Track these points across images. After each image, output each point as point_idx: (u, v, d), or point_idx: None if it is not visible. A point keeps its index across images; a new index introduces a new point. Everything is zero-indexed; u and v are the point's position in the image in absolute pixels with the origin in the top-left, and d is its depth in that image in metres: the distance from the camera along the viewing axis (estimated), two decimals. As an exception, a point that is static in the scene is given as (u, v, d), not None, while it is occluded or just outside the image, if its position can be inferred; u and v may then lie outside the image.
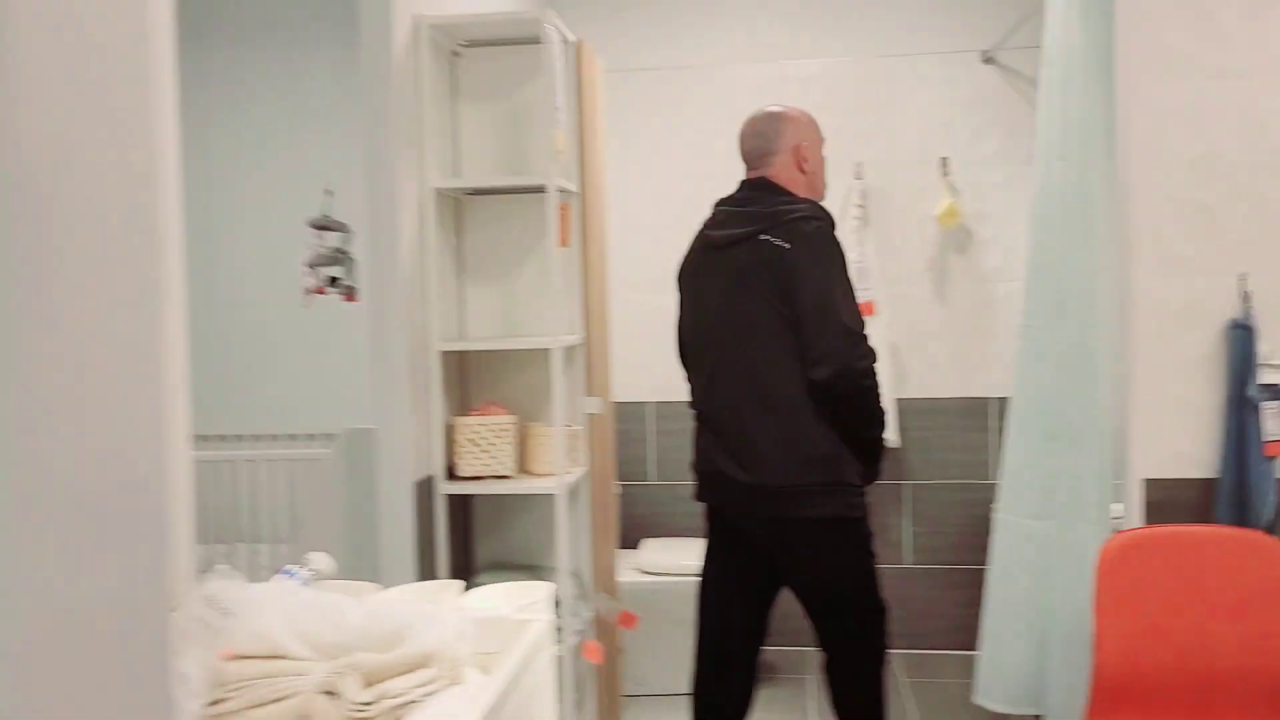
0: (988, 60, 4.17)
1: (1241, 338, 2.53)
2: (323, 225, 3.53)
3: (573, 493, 3.03)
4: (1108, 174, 2.88)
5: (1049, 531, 3.02)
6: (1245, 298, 2.55)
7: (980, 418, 4.23)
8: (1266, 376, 2.49)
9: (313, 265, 3.49)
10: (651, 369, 4.34)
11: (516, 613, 1.41)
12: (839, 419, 2.58)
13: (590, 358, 3.10)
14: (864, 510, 2.69)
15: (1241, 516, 2.53)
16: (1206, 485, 2.58)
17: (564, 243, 2.98)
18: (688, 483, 4.40)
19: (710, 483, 2.80)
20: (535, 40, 2.78)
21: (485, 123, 3.01)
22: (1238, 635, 2.35)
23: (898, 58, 4.21)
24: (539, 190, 2.82)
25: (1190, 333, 2.58)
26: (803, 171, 2.74)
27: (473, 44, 2.99)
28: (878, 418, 2.66)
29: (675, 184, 4.31)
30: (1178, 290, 2.58)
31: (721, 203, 2.82)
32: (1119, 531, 2.45)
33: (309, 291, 3.51)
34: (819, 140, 2.79)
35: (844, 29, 4.25)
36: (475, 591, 1.56)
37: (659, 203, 4.32)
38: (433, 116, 2.79)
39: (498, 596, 1.52)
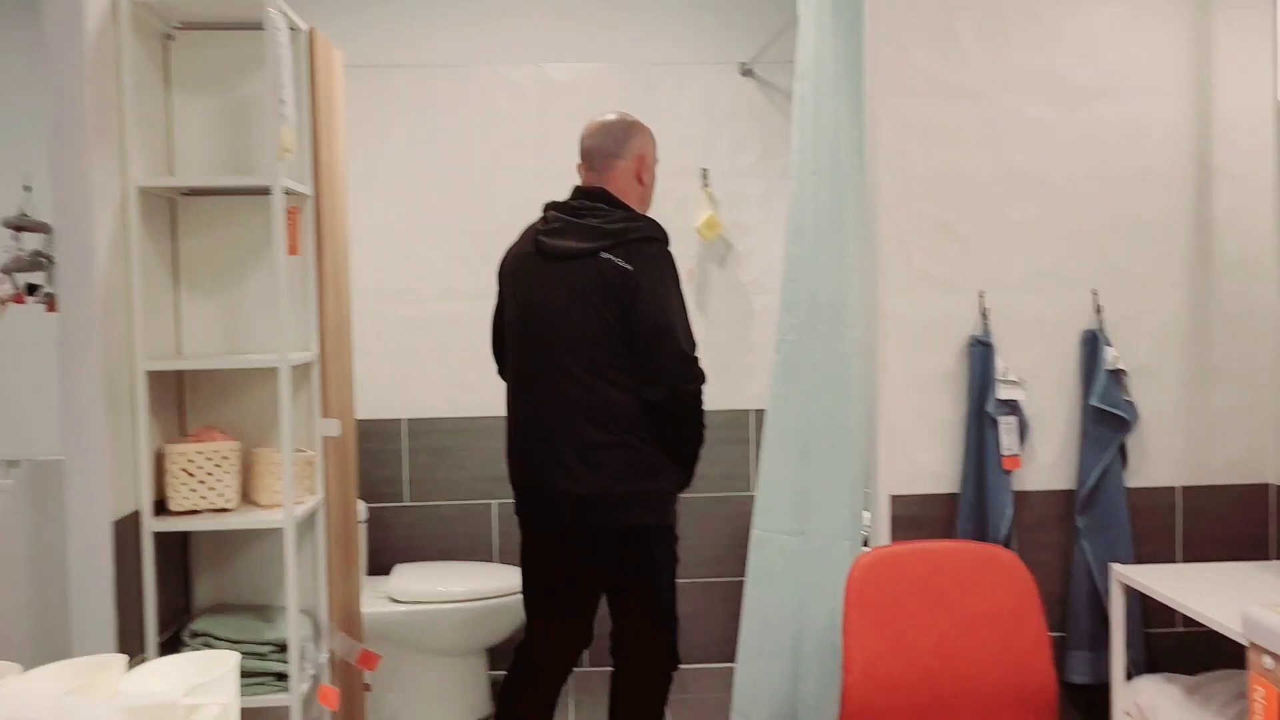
0: (746, 72, 4.16)
1: (981, 354, 2.56)
2: (19, 225, 3.12)
3: (306, 524, 2.79)
4: (859, 189, 2.88)
5: (803, 547, 3.00)
6: (984, 314, 2.58)
7: (740, 429, 4.22)
8: (1003, 392, 2.53)
9: (8, 270, 3.08)
10: (404, 384, 4.12)
11: (186, 697, 1.18)
12: (665, 433, 2.70)
13: (326, 375, 2.85)
14: (676, 519, 2.83)
15: (981, 530, 2.56)
16: (950, 500, 2.60)
17: (294, 250, 2.73)
18: (444, 503, 4.28)
19: (530, 495, 2.81)
20: (258, 25, 2.52)
21: (203, 115, 2.73)
22: (979, 648, 2.36)
23: (658, 66, 4.15)
24: (264, 192, 2.56)
25: (934, 349, 2.59)
26: (641, 182, 2.83)
27: (188, 26, 2.70)
28: (700, 432, 2.78)
29: (426, 189, 4.10)
30: (921, 306, 2.59)
31: (555, 207, 2.82)
32: (865, 551, 2.43)
33: (3, 300, 3.09)
34: (655, 158, 2.90)
35: (605, 34, 4.15)
36: (146, 667, 1.32)
37: (409, 208, 4.10)
38: (138, 106, 2.49)
39: (175, 672, 1.29)
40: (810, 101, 2.97)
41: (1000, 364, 2.54)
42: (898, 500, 2.59)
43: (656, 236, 2.71)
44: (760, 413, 4.14)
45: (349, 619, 3.03)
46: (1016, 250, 2.59)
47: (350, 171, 4.04)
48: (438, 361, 4.13)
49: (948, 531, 2.59)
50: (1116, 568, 2.33)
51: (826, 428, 2.93)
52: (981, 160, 2.58)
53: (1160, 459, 2.63)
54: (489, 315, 4.11)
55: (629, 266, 2.62)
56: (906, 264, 2.58)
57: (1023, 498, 2.59)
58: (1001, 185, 2.59)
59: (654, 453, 2.69)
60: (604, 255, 2.64)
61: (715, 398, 4.16)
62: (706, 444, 2.93)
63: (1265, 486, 2.64)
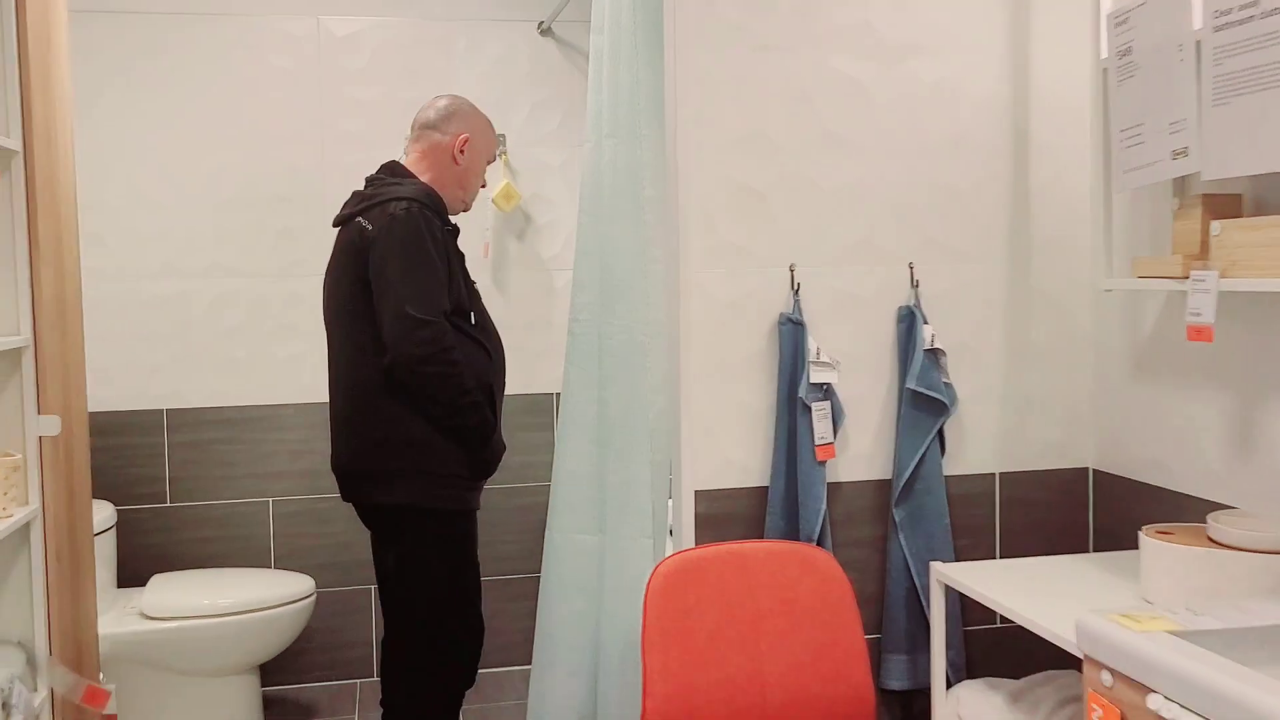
0: (545, 32, 3.86)
1: (791, 333, 2.34)
2: None
3: (14, 541, 2.34)
4: (660, 154, 2.62)
5: (601, 548, 2.74)
6: (795, 290, 2.36)
7: (544, 415, 3.93)
8: (816, 375, 2.31)
9: None
10: (163, 371, 3.65)
11: None
12: (418, 406, 2.49)
13: (43, 364, 2.40)
14: (461, 504, 2.59)
15: (793, 527, 2.34)
16: (759, 495, 2.37)
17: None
18: (212, 502, 3.83)
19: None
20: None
21: None
22: (791, 657, 2.15)
23: (451, 22, 3.80)
24: (-54, 143, 2.10)
25: (741, 328, 2.35)
26: (456, 163, 2.69)
27: None
28: (458, 405, 2.48)
29: (187, 155, 3.64)
30: (727, 282, 2.34)
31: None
32: (667, 557, 2.17)
33: None
34: (487, 155, 2.77)
35: (389, -16, 3.77)
36: None
37: (167, 176, 3.63)
38: None
39: None
40: (607, 57, 2.69)
41: (812, 344, 2.32)
42: (703, 496, 2.35)
43: (415, 199, 2.51)
44: (559, 396, 3.87)
45: (80, 647, 2.59)
46: (829, 220, 2.38)
47: (97, 134, 3.55)
48: (203, 345, 3.68)
49: (757, 529, 2.37)
50: (937, 567, 2.16)
51: (624, 416, 2.68)
52: (792, 121, 2.36)
53: (978, 444, 2.48)
54: (262, 292, 3.70)
55: (369, 227, 2.51)
56: (710, 234, 2.34)
57: (836, 490, 2.39)
58: (814, 149, 2.37)
59: (413, 427, 2.50)
60: (357, 219, 2.56)
61: (514, 381, 3.88)
62: (505, 430, 2.72)
63: (1084, 471, 2.52)
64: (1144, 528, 1.95)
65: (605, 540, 2.71)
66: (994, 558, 2.49)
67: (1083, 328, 2.51)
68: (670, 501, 2.54)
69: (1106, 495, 2.46)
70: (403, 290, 2.42)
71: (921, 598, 2.38)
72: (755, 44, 2.33)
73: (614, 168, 2.66)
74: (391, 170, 2.66)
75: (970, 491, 2.47)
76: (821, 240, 2.38)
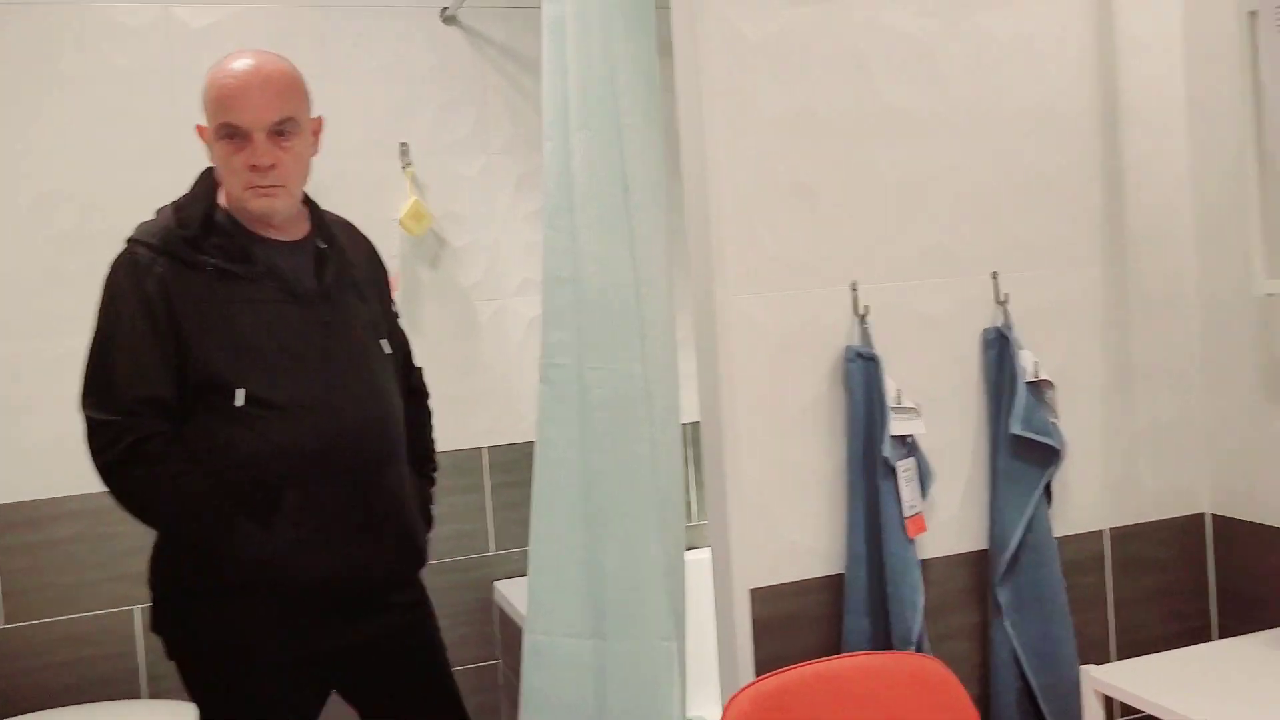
0: (448, 20, 3.22)
1: (863, 372, 1.78)
2: None
3: None
4: (656, 147, 2.04)
5: (603, 656, 2.12)
6: (862, 315, 1.81)
7: (473, 476, 3.27)
8: (900, 425, 1.76)
9: None
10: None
11: None
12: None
13: None
14: (198, 628, 1.87)
15: (883, 626, 1.78)
16: (833, 587, 1.80)
17: None
18: (60, 618, 2.93)
19: None
20: None
21: None
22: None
23: (332, 9, 3.12)
24: None
25: (798, 368, 1.79)
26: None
27: None
28: (165, 523, 1.86)
29: (2, 178, 2.86)
30: (777, 308, 1.77)
31: None
32: (738, 694, 1.57)
33: None
34: (213, 120, 1.86)
35: (254, -36, 3.07)
36: None
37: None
38: None
39: None
40: (572, 29, 2.08)
41: (890, 385, 1.77)
42: (761, 596, 1.76)
43: (133, 237, 1.87)
44: (494, 450, 3.24)
45: None
46: (895, 220, 1.84)
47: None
48: (37, 422, 2.90)
49: (833, 634, 1.80)
50: (1090, 672, 1.62)
51: (620, 483, 2.07)
52: (843, 95, 1.80)
53: (1083, 495, 1.97)
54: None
55: None
56: (752, 246, 1.76)
57: (924, 570, 1.84)
58: (872, 130, 1.82)
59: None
60: None
61: (439, 436, 3.21)
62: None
63: (1200, 517, 2.04)
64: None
65: (606, 647, 2.09)
66: (1109, 638, 1.98)
67: (1189, 342, 2.02)
68: (714, 602, 1.93)
69: (1229, 546, 1.99)
70: (83, 382, 1.83)
71: (1040, 701, 1.84)
72: (793, -6, 1.77)
73: (588, 168, 2.06)
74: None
75: (1076, 557, 1.95)
76: (887, 247, 1.83)
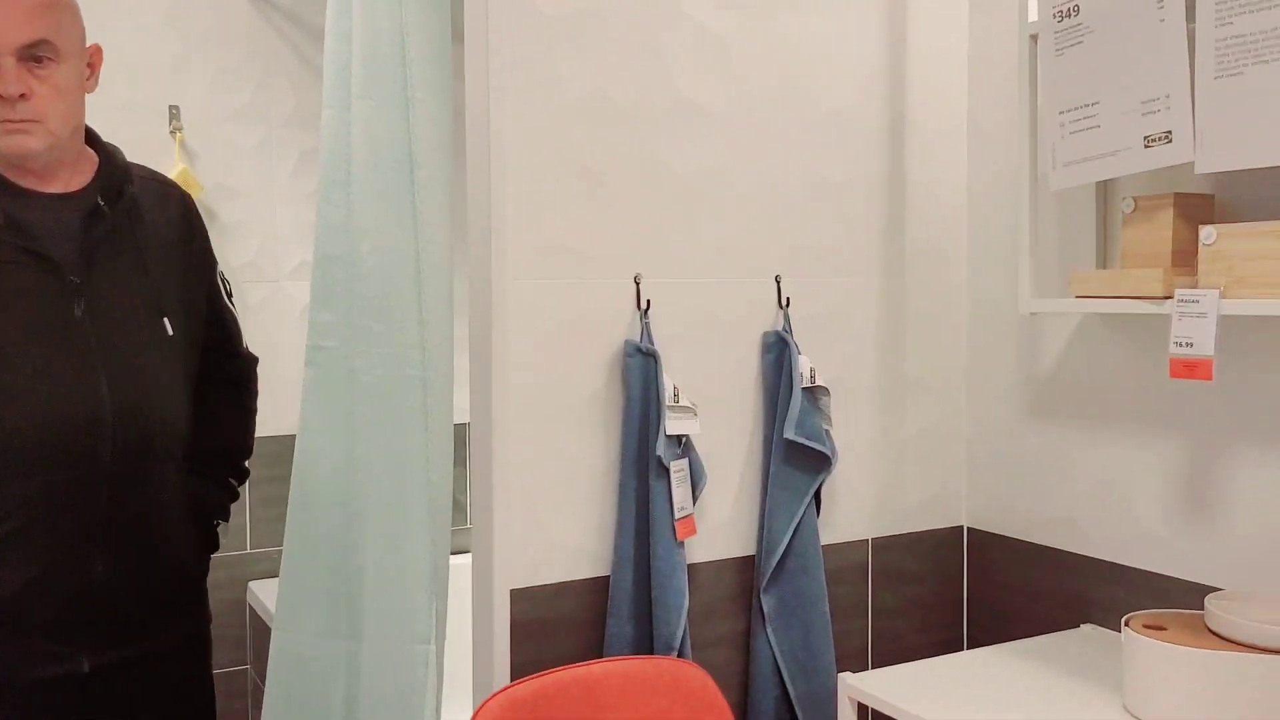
0: (232, -22, 3.01)
1: (641, 368, 1.73)
2: None
3: None
4: (444, 121, 1.93)
5: (354, 658, 1.99)
6: (644, 309, 1.76)
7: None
8: (676, 424, 1.72)
9: None
10: None
11: None
12: None
13: None
14: None
15: (643, 632, 1.73)
16: (598, 588, 1.74)
17: None
18: None
19: None
20: None
21: None
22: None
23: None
24: None
25: (576, 359, 1.72)
26: None
27: None
28: None
29: None
30: (559, 296, 1.70)
31: None
32: (488, 701, 1.49)
33: None
34: None
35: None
36: None
37: None
38: None
39: None
40: (360, -8, 1.96)
41: (668, 382, 1.72)
42: (522, 596, 1.68)
43: None
44: (257, 441, 3.04)
45: None
46: (682, 215, 1.80)
47: None
48: None
49: (594, 637, 1.73)
50: (848, 681, 1.61)
51: (387, 477, 1.95)
52: (638, 81, 1.75)
53: (849, 504, 1.98)
54: None
55: None
56: (535, 230, 1.68)
57: (690, 575, 1.80)
58: (665, 118, 1.78)
59: None
60: None
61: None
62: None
63: (959, 530, 2.09)
64: (1128, 617, 1.51)
65: (358, 648, 1.96)
66: (867, 647, 2.00)
67: (957, 357, 2.08)
68: (470, 602, 1.83)
69: (982, 558, 2.04)
70: None
71: (797, 710, 1.83)
72: (590, -28, 1.71)
73: (370, 140, 1.93)
74: None
75: (840, 565, 1.96)
76: (674, 242, 1.79)
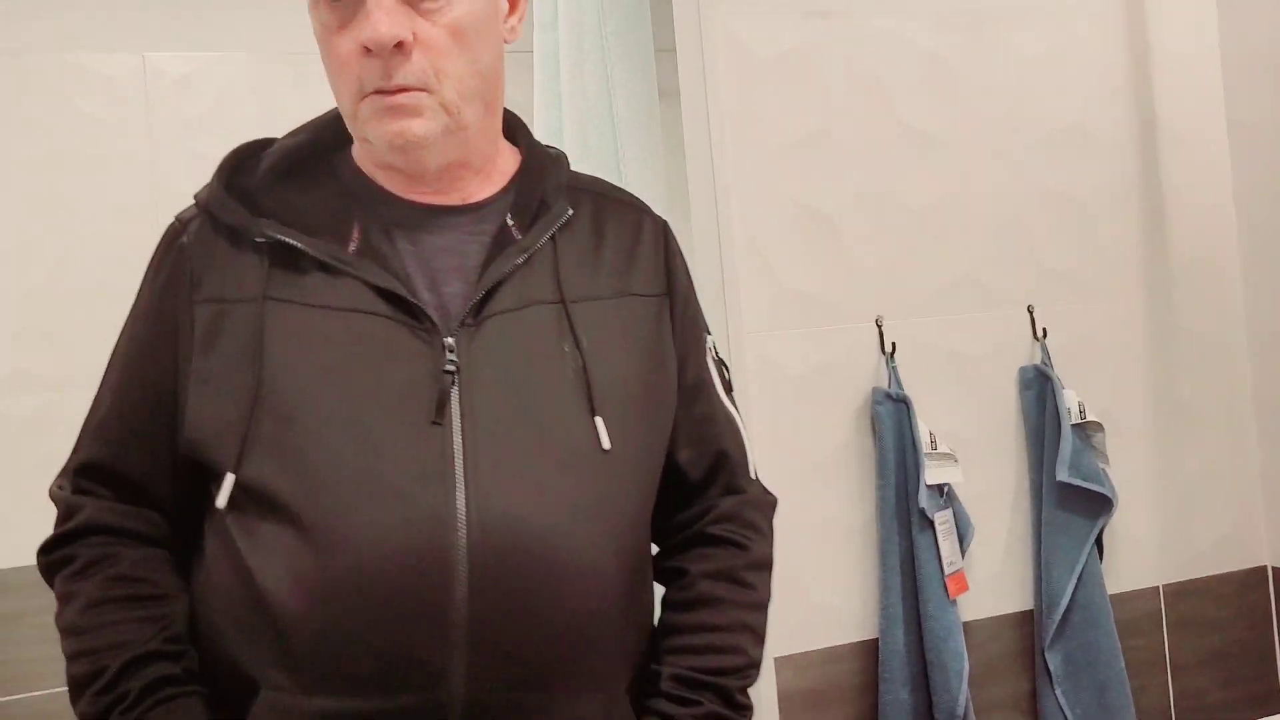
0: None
1: (893, 415, 1.62)
2: None
3: None
4: (647, 182, 1.89)
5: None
6: (889, 353, 1.65)
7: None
8: (936, 473, 1.60)
9: None
10: None
11: None
12: None
13: None
14: None
15: (921, 698, 1.60)
16: (867, 653, 1.62)
17: None
18: (38, 693, 2.72)
19: None
20: None
21: None
22: None
23: (311, 55, 3.00)
24: None
25: (821, 411, 1.63)
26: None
27: None
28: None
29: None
30: (797, 346, 1.62)
31: None
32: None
33: None
34: (319, 24, 1.02)
35: (232, 13, 2.96)
36: None
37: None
38: None
39: None
40: (565, 59, 1.97)
41: (924, 429, 1.61)
42: (787, 664, 1.58)
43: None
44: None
45: None
46: (920, 251, 1.69)
47: None
48: (11, 483, 2.73)
49: (868, 706, 1.62)
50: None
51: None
52: (861, 115, 1.67)
53: (1132, 549, 1.80)
54: (81, 408, 2.79)
55: None
56: (766, 278, 1.61)
57: (964, 633, 1.66)
58: (892, 152, 1.68)
59: None
60: None
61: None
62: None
63: (1263, 570, 1.87)
64: None
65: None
66: (1169, 706, 1.80)
67: (1239, 380, 1.87)
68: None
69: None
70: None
71: (1098, 780, 1.66)
72: (806, 8, 1.64)
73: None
74: None
75: (1129, 616, 1.78)
76: (913, 279, 1.68)
